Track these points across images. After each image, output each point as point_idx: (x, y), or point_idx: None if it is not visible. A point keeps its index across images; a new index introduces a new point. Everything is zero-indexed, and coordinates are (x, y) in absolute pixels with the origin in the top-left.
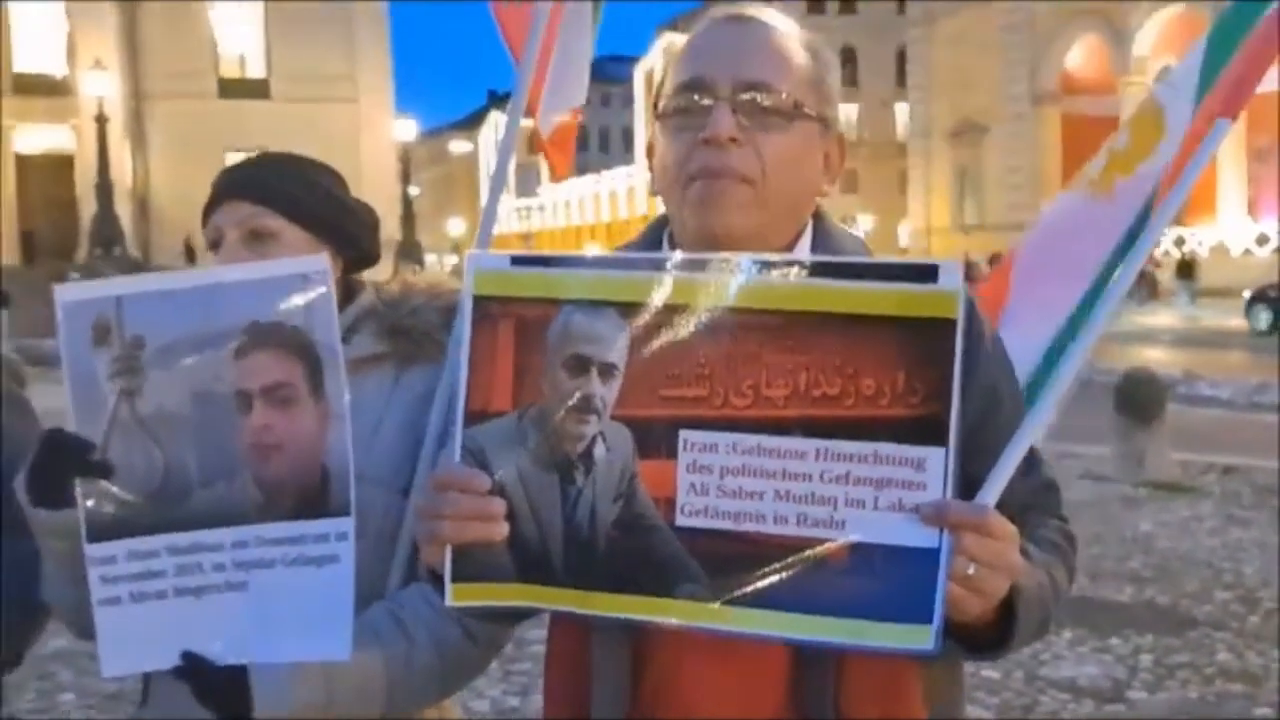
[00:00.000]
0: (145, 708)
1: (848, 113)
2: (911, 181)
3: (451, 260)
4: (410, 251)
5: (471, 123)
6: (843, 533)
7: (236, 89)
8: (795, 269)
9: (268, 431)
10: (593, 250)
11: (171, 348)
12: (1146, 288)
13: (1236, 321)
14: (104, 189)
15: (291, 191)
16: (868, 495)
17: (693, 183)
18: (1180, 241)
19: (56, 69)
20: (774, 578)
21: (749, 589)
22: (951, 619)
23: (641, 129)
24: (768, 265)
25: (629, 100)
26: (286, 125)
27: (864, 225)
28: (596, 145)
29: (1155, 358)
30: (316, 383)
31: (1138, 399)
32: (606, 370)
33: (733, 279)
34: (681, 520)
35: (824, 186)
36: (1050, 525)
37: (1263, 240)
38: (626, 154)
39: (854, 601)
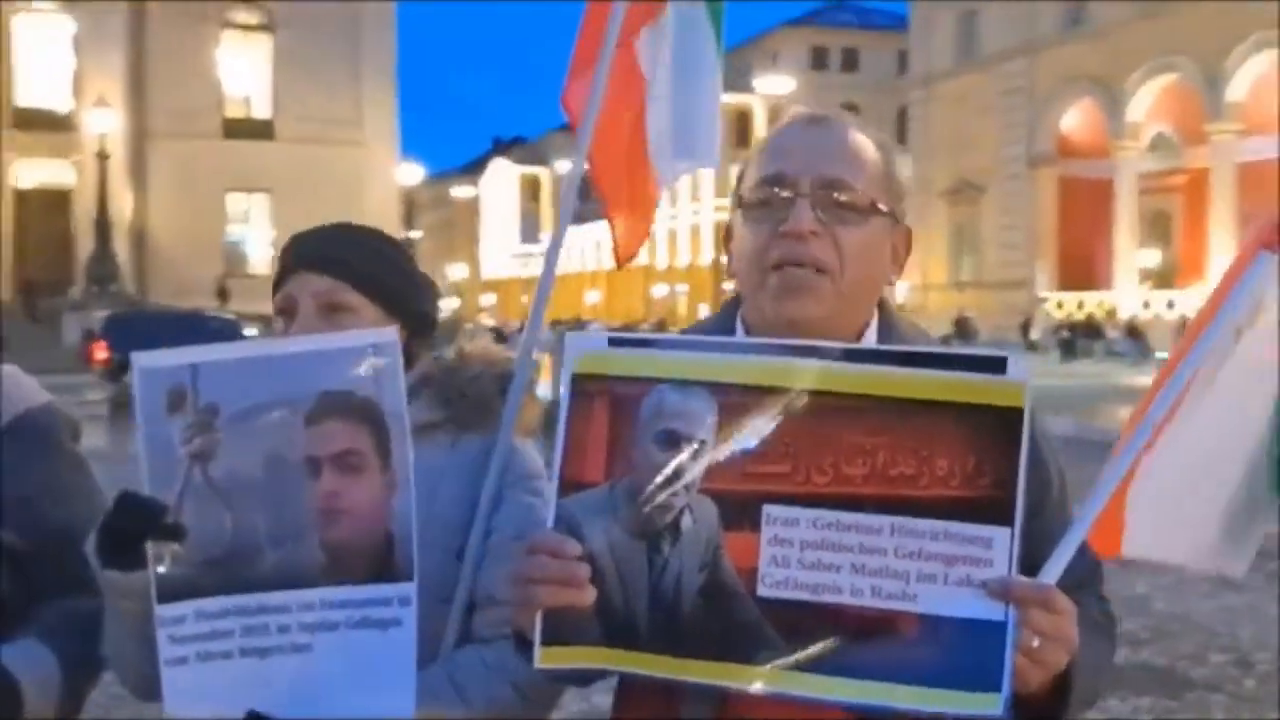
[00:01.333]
0: None
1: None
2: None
3: (453, 303)
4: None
5: (475, 168)
6: (914, 605)
7: (241, 129)
8: (875, 357)
9: (335, 497)
10: (597, 325)
11: (244, 414)
12: (1143, 347)
13: None
14: (102, 225)
15: (369, 269)
16: (938, 570)
17: (773, 272)
18: (1171, 305)
19: (61, 104)
20: (849, 646)
21: (825, 657)
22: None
23: None
24: (851, 353)
25: None
26: (291, 167)
27: None
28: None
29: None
30: (383, 450)
31: None
32: (696, 446)
33: (818, 364)
34: (763, 590)
35: (892, 276)
36: (1095, 604)
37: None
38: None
39: (924, 670)
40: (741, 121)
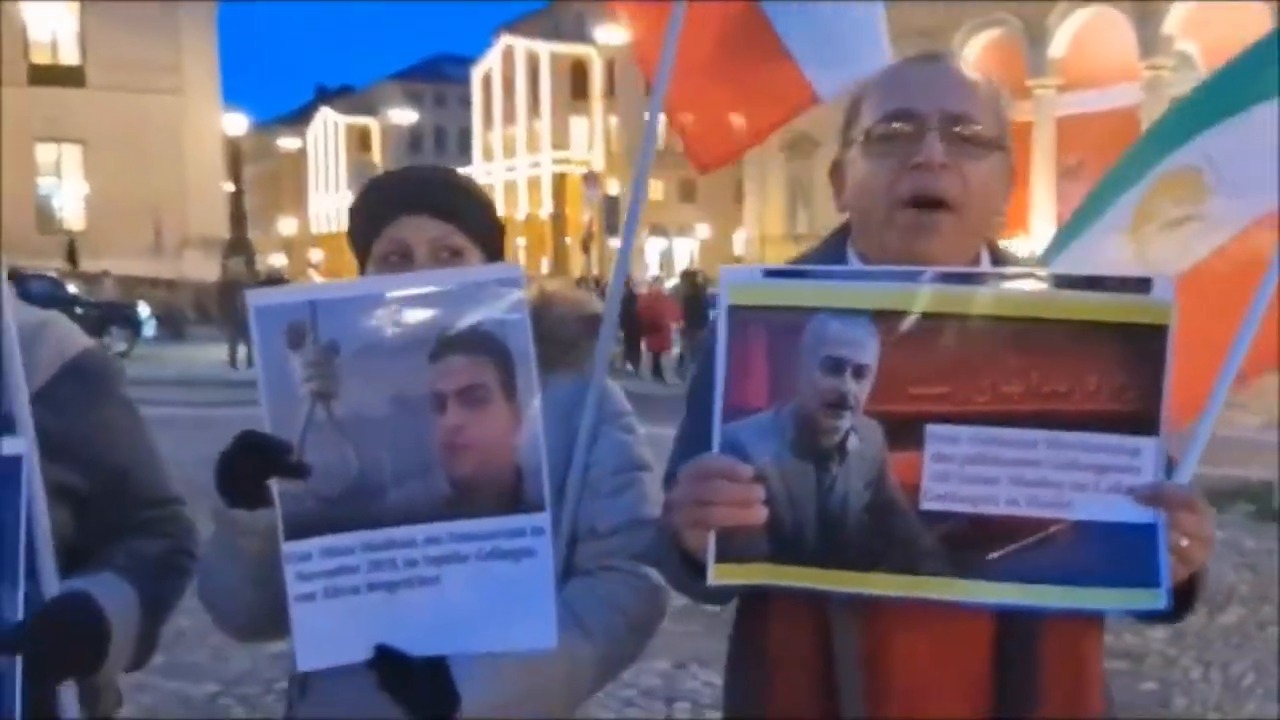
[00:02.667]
0: (303, 704)
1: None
2: (748, 193)
3: (280, 260)
4: (240, 250)
5: (299, 118)
6: (1069, 513)
7: (48, 75)
8: (1029, 281)
9: (460, 431)
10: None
11: (366, 351)
12: None
13: None
14: None
15: (477, 214)
16: (1090, 479)
17: (902, 209)
18: None
19: None
20: (1007, 554)
21: (986, 564)
22: None
23: (479, 130)
24: (1004, 278)
25: (464, 101)
26: (105, 115)
27: (701, 234)
28: (432, 145)
29: None
30: (509, 384)
31: None
32: (860, 371)
33: (971, 290)
34: (925, 505)
35: (1001, 209)
36: None
37: None
38: (462, 155)
39: (1079, 572)
40: (578, 72)
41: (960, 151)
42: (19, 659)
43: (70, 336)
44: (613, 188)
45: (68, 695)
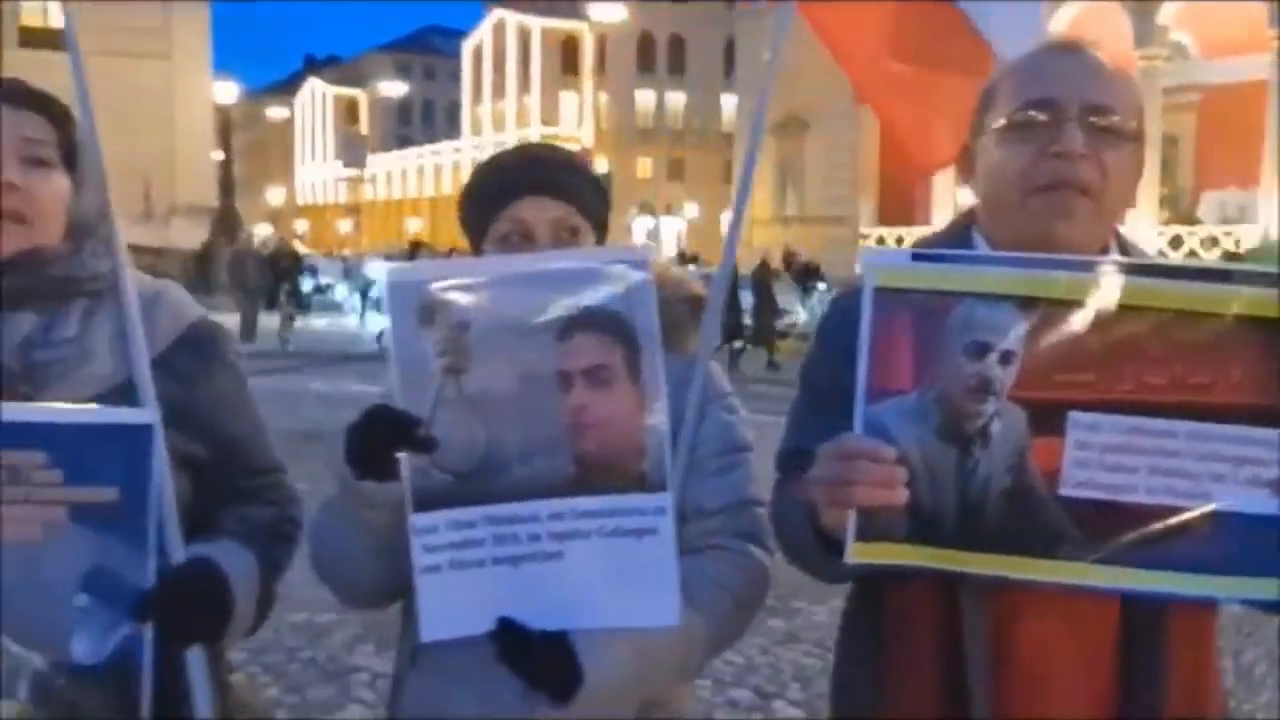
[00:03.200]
0: (414, 672)
1: (675, 101)
2: (736, 172)
3: (267, 230)
4: (229, 220)
5: (287, 87)
6: (1205, 503)
7: (38, 38)
8: (1168, 273)
9: (586, 410)
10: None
11: (496, 329)
12: None
13: None
14: None
15: (593, 195)
16: (1228, 470)
17: (1039, 194)
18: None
19: None
20: (1142, 541)
21: (1121, 550)
22: None
23: (468, 103)
24: (1147, 269)
25: (454, 75)
26: (93, 79)
27: (689, 214)
28: (420, 118)
29: None
30: (634, 365)
31: None
32: (1005, 356)
33: (1120, 279)
34: (1065, 490)
35: (1132, 200)
36: None
37: None
38: (451, 129)
39: (1210, 561)
40: (569, 48)
41: (1099, 141)
42: (149, 625)
43: (185, 305)
44: (601, 165)
45: (195, 659)
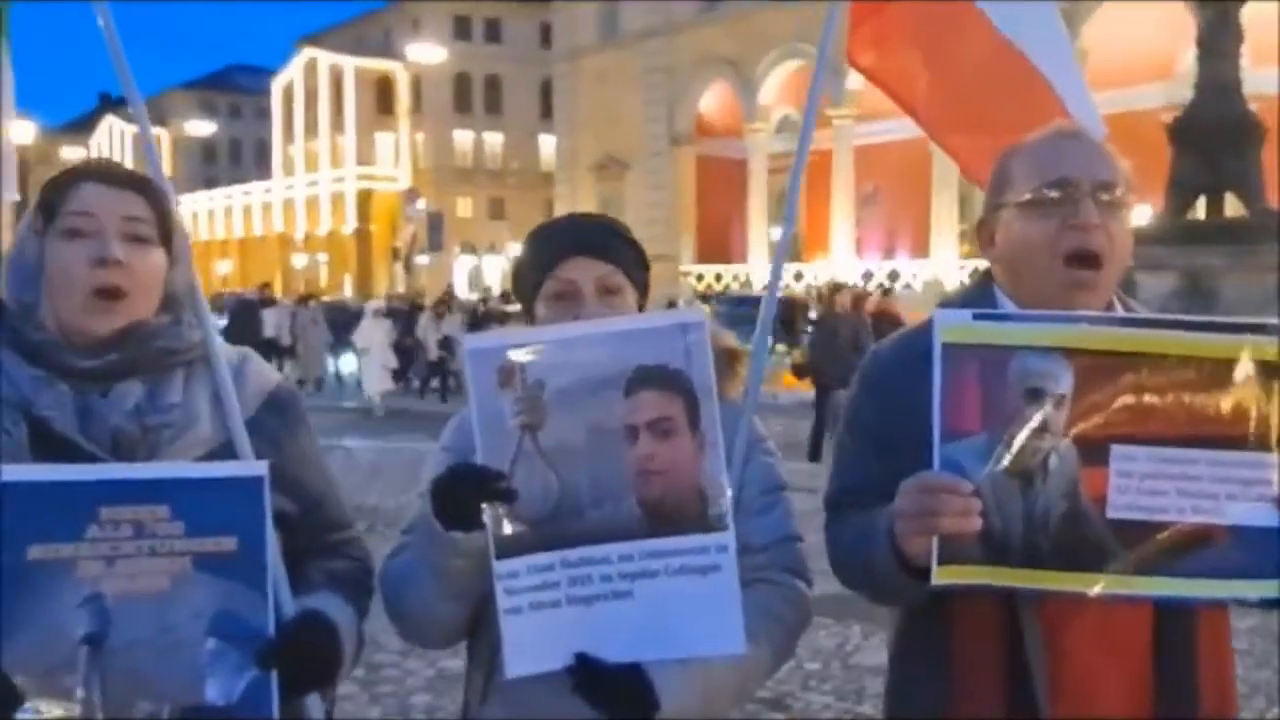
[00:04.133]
0: (486, 706)
1: (493, 141)
2: (558, 213)
3: None
4: None
5: (81, 126)
6: (1224, 518)
7: None
8: (1187, 326)
9: (651, 459)
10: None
11: (568, 388)
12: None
13: None
14: None
15: (632, 255)
16: (1239, 490)
17: (1064, 266)
18: (799, 276)
19: None
20: (1174, 553)
21: (1157, 562)
22: None
23: (279, 143)
24: (1165, 324)
25: (261, 113)
26: None
27: (513, 252)
28: (227, 157)
29: None
30: (693, 417)
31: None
32: (1058, 401)
33: (1150, 333)
34: (1110, 514)
35: (1129, 261)
36: None
37: (867, 276)
38: (259, 168)
39: (1231, 567)
40: (383, 87)
41: (1107, 213)
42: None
43: (265, 371)
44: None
45: (314, 703)
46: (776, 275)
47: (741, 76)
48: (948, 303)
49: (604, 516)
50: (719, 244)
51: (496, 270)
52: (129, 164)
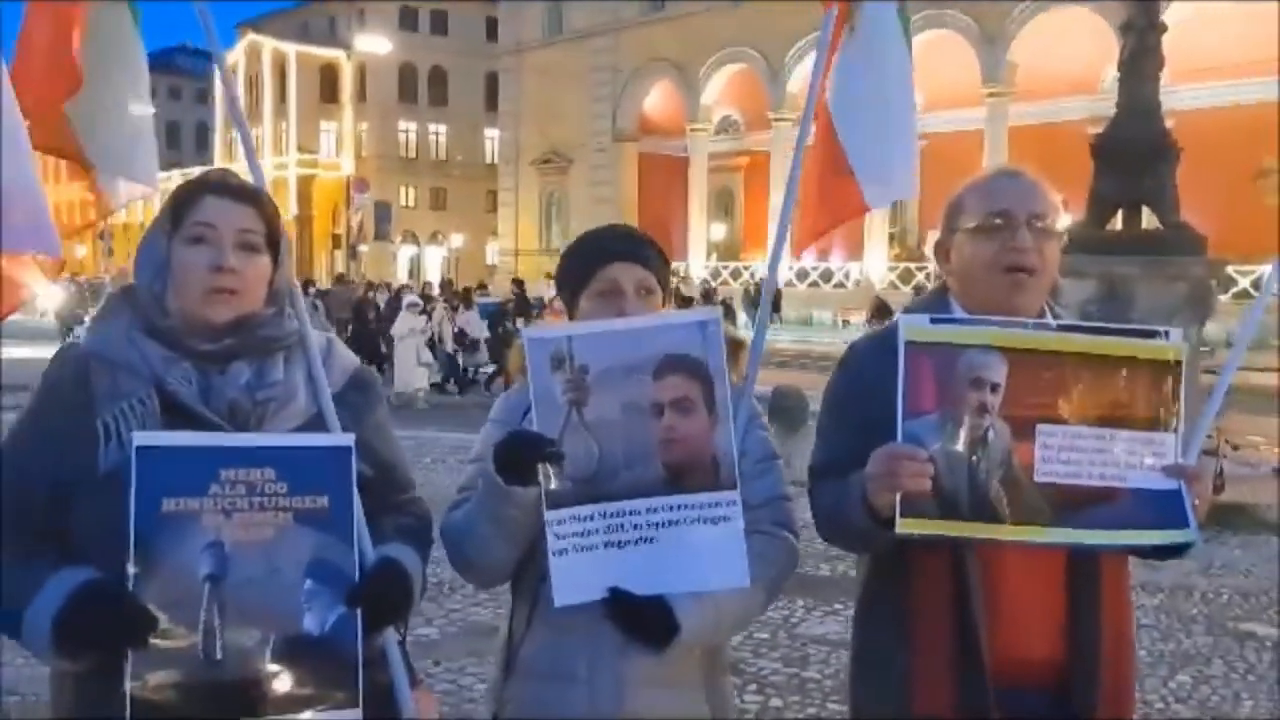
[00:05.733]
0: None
1: (437, 132)
2: (502, 205)
3: None
4: None
5: None
6: (1126, 483)
7: None
8: (1097, 331)
9: (673, 431)
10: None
11: (608, 372)
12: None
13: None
14: None
15: (660, 262)
16: (1138, 460)
17: (1005, 274)
18: (736, 274)
19: None
20: (1088, 510)
21: (1077, 517)
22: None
23: (220, 128)
24: (1081, 329)
25: (201, 96)
26: None
27: (455, 243)
28: (164, 140)
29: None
30: (709, 397)
31: (786, 410)
32: (995, 387)
33: (1064, 335)
34: (1037, 478)
35: (1056, 277)
36: None
37: (802, 275)
38: (200, 152)
39: (1134, 520)
40: (328, 74)
41: (1039, 237)
42: (359, 612)
43: (348, 353)
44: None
45: (390, 636)
46: (774, 268)
47: (685, 77)
48: (910, 309)
49: (635, 477)
50: (660, 240)
51: (438, 260)
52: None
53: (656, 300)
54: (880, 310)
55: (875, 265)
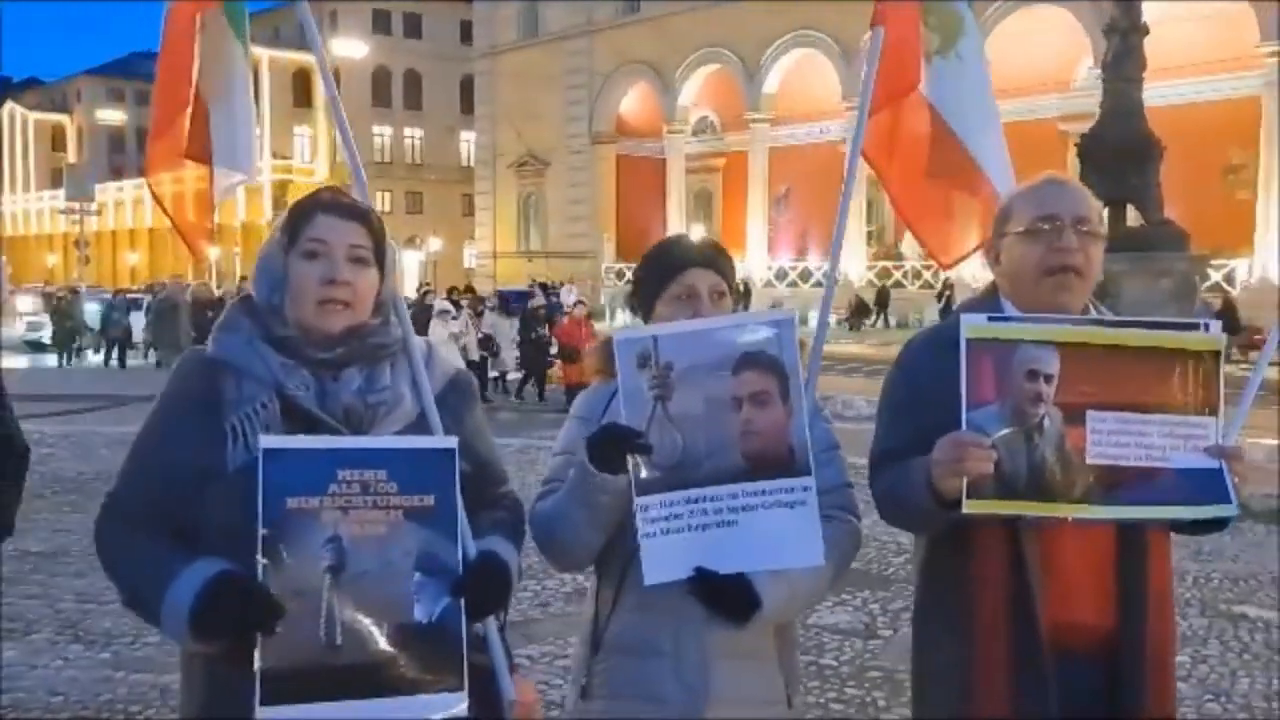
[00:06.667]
0: (617, 612)
1: (412, 135)
2: (479, 209)
3: None
4: None
5: None
6: (1170, 463)
7: None
8: (1141, 325)
9: (751, 423)
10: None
11: (690, 369)
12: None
13: None
14: None
15: (731, 269)
16: (1181, 443)
17: (1048, 276)
18: None
19: None
20: (1136, 487)
21: (1127, 494)
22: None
23: None
24: (1128, 323)
25: None
26: None
27: (433, 246)
28: (135, 146)
29: None
30: (784, 391)
31: None
32: (1048, 378)
33: (1114, 330)
34: (1089, 460)
35: (1100, 276)
36: None
37: (780, 275)
38: None
39: (1179, 497)
40: (300, 79)
41: (1084, 240)
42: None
43: (447, 358)
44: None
45: (491, 623)
46: (834, 266)
47: (661, 79)
48: (966, 308)
49: (716, 465)
50: (638, 241)
51: (415, 264)
52: (33, 152)
53: (727, 303)
54: (859, 309)
55: (854, 264)
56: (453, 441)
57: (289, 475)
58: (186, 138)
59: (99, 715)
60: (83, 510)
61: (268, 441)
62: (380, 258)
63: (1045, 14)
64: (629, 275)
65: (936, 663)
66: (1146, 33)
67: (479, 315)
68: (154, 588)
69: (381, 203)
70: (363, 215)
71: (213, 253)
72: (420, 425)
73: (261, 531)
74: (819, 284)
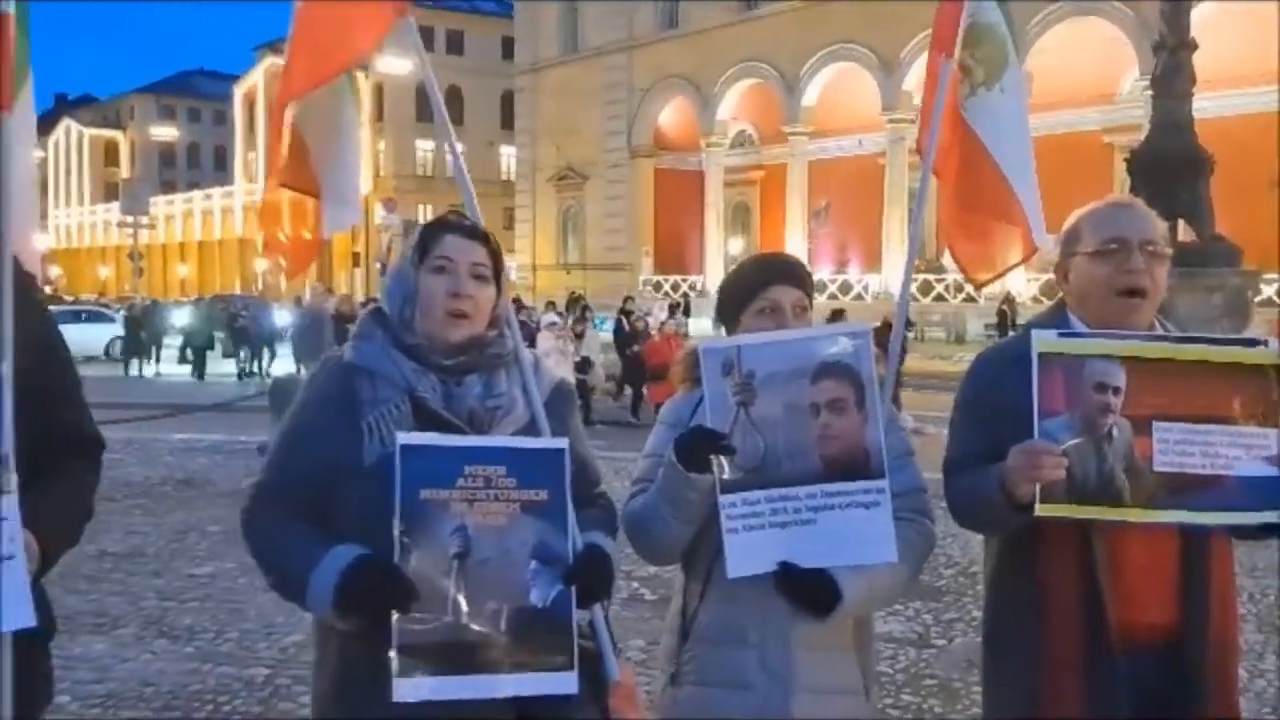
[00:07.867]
0: (703, 605)
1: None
2: (519, 222)
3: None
4: None
5: (38, 127)
6: (1232, 470)
7: None
8: (1205, 341)
9: (829, 428)
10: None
11: (771, 376)
12: None
13: None
14: None
15: (811, 284)
16: (1243, 453)
17: (1117, 296)
18: None
19: None
20: (1201, 493)
21: (1193, 500)
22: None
23: (240, 148)
24: (1190, 339)
25: (219, 118)
26: None
27: None
28: (185, 161)
29: None
30: (860, 398)
31: None
32: (1116, 390)
33: (1178, 345)
34: (1156, 467)
35: (1164, 293)
36: None
37: (820, 288)
38: (218, 171)
39: (1240, 503)
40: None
41: (1150, 261)
42: (574, 589)
43: (552, 369)
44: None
45: (599, 609)
46: (908, 281)
47: (700, 92)
48: (1036, 324)
49: (796, 467)
50: (676, 254)
51: None
52: (87, 166)
53: (808, 317)
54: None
55: (894, 277)
56: (564, 442)
57: (423, 469)
58: (285, 167)
59: (189, 705)
60: (152, 514)
61: (405, 438)
62: (497, 276)
63: (1089, 26)
64: (666, 288)
65: (1007, 667)
66: (1195, 48)
67: (579, 337)
68: (301, 567)
69: (424, 217)
70: (484, 237)
71: (260, 265)
72: (530, 428)
73: (398, 520)
74: (859, 297)
